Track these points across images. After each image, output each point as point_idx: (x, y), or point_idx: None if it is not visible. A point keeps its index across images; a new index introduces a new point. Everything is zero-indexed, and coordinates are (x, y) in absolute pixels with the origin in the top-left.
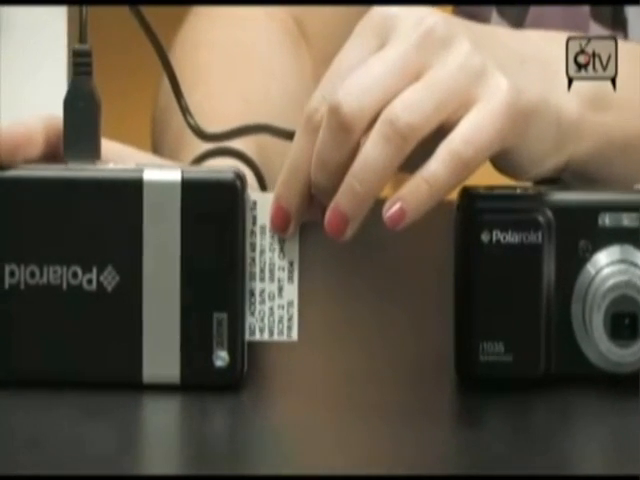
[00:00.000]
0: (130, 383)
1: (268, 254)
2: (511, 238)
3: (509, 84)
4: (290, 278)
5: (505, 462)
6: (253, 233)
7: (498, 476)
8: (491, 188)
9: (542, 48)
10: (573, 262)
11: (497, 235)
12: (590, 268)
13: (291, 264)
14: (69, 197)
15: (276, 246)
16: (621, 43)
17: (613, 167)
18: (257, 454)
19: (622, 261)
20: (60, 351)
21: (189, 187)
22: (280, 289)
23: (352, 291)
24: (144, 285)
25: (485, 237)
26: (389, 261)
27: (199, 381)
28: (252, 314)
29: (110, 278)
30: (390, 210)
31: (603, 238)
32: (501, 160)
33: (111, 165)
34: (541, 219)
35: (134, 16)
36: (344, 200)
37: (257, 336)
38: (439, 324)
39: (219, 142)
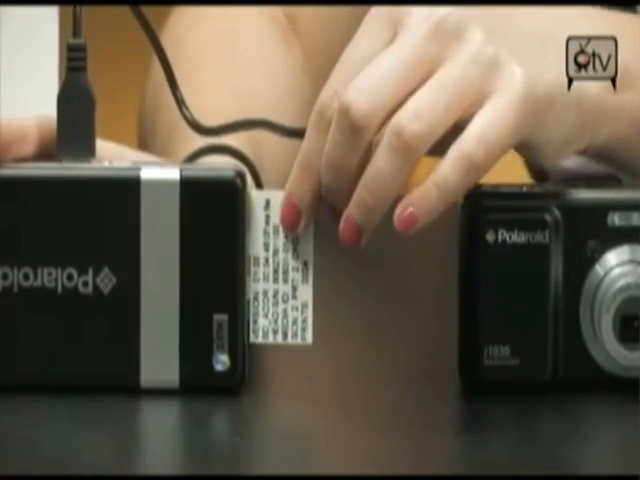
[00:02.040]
0: (128, 388)
1: (282, 254)
2: (517, 238)
3: (524, 73)
4: (304, 279)
5: (507, 463)
6: (266, 233)
7: (499, 476)
8: (497, 186)
9: (561, 25)
10: (581, 262)
11: (503, 235)
12: (599, 269)
13: (305, 265)
14: (64, 196)
15: (290, 246)
16: (635, 18)
17: (634, 148)
18: (258, 459)
19: (632, 261)
20: (55, 355)
21: (188, 185)
22: (294, 290)
23: (353, 293)
24: (142, 287)
25: (490, 237)
26: (390, 262)
27: (199, 385)
28: (265, 316)
29: (107, 280)
30: (401, 215)
31: (612, 238)
32: (521, 147)
33: (107, 163)
34: (548, 218)
35: (134, 15)
36: (356, 212)
37: (270, 338)
38: (443, 326)
39: (215, 136)
